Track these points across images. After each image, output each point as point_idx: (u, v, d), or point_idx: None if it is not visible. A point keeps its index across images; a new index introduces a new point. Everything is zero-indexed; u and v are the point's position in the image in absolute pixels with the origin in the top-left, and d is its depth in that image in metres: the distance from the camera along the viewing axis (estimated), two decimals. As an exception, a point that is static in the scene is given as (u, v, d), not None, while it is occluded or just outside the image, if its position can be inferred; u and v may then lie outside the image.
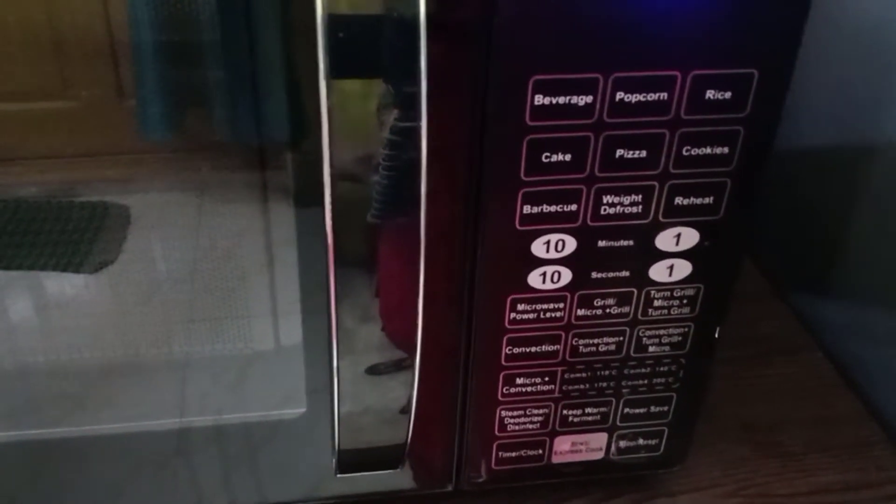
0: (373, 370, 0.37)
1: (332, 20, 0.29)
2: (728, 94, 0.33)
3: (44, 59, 0.35)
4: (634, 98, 0.33)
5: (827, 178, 0.63)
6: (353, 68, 0.30)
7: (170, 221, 0.41)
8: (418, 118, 0.31)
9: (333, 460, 0.40)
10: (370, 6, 0.30)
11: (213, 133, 0.38)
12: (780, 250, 0.68)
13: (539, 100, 0.33)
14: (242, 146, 0.38)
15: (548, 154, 0.34)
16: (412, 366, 0.36)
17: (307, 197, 0.37)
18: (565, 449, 0.43)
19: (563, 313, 0.39)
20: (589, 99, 0.33)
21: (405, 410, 0.38)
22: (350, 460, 0.40)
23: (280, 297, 0.42)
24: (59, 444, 0.41)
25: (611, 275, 0.38)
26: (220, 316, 0.42)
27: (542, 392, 0.41)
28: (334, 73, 0.30)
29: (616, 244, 0.37)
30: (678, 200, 0.36)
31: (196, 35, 0.35)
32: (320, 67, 0.30)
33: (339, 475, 0.41)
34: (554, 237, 0.36)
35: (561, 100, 0.33)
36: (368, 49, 0.30)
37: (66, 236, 0.40)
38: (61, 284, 0.41)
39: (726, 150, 0.35)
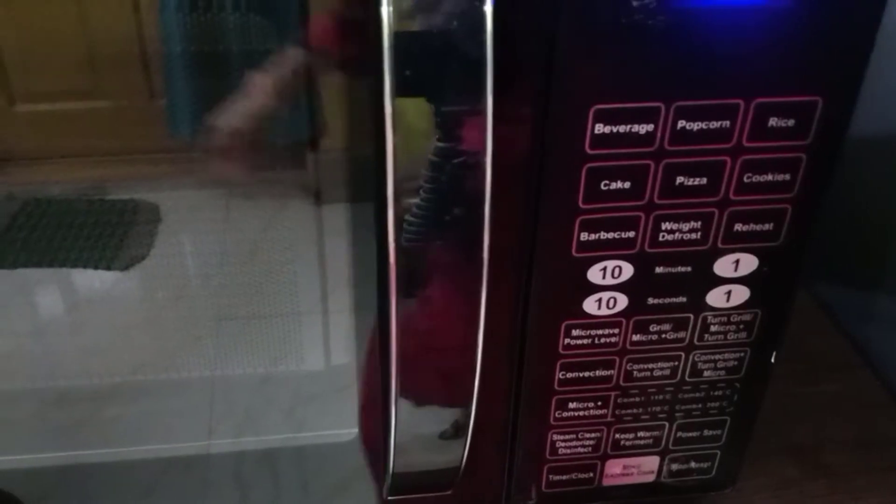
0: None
1: (399, 38, 0.29)
2: (791, 122, 0.33)
3: (78, 61, 0.36)
4: (696, 126, 0.33)
5: (875, 186, 0.62)
6: (419, 88, 0.30)
7: (199, 219, 0.41)
8: (484, 142, 0.30)
9: (385, 483, 0.40)
10: (437, 25, 0.29)
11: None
12: (826, 264, 0.67)
13: (599, 128, 0.33)
14: (274, 146, 0.39)
15: (607, 182, 0.34)
16: (470, 392, 0.36)
17: (360, 217, 0.37)
18: (616, 472, 0.43)
19: (617, 339, 0.38)
20: (650, 127, 0.33)
21: (460, 435, 0.38)
22: (402, 484, 0.40)
23: (332, 317, 0.42)
24: (102, 468, 0.41)
25: (667, 300, 0.37)
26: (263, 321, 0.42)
27: (595, 416, 0.41)
28: (399, 91, 0.29)
29: (673, 270, 0.37)
30: (738, 227, 0.36)
31: (224, 44, 0.35)
32: (385, 87, 0.29)
33: (389, 497, 0.41)
34: (611, 264, 0.36)
35: (622, 128, 0.33)
36: (434, 69, 0.29)
37: (97, 233, 0.40)
38: (91, 282, 0.42)
39: (787, 176, 0.35)
